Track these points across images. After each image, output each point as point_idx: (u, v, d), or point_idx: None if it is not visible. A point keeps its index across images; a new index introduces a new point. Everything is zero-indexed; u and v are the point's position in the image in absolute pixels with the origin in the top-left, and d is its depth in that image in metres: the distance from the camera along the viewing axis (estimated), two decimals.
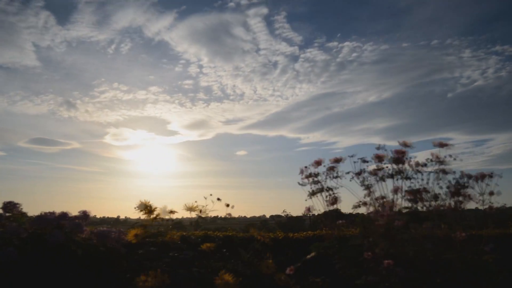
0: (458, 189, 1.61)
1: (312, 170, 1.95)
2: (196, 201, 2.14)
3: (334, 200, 1.92)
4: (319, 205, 1.96)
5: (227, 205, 2.17)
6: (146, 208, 2.03)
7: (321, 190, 1.93)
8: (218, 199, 2.11)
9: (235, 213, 2.28)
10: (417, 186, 1.70)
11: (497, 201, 1.66)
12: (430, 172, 1.69)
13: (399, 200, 1.74)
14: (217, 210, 2.15)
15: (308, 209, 1.99)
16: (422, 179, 1.71)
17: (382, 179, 1.79)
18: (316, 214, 2.03)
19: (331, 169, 1.91)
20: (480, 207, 1.68)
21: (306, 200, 1.98)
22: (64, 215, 1.93)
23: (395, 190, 1.73)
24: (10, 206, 2.02)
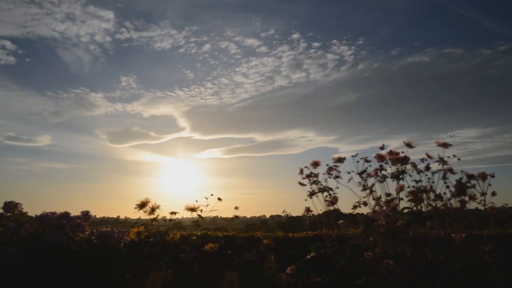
0: (463, 189, 1.61)
1: (312, 170, 1.95)
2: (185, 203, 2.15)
3: (334, 200, 1.92)
4: (319, 205, 1.96)
5: (236, 208, 2.24)
6: (143, 204, 2.03)
7: (321, 190, 1.93)
8: (219, 199, 2.11)
9: (235, 213, 2.31)
10: (421, 186, 1.70)
11: (494, 201, 1.66)
12: (433, 172, 1.69)
13: (401, 200, 1.74)
14: (217, 211, 2.15)
15: (307, 210, 1.99)
16: (429, 179, 1.71)
17: (384, 178, 1.79)
18: (316, 214, 2.03)
19: (331, 169, 1.91)
20: (481, 207, 1.67)
21: (306, 200, 1.98)
22: (65, 215, 1.93)
23: (400, 189, 1.74)
24: (11, 206, 2.02)
